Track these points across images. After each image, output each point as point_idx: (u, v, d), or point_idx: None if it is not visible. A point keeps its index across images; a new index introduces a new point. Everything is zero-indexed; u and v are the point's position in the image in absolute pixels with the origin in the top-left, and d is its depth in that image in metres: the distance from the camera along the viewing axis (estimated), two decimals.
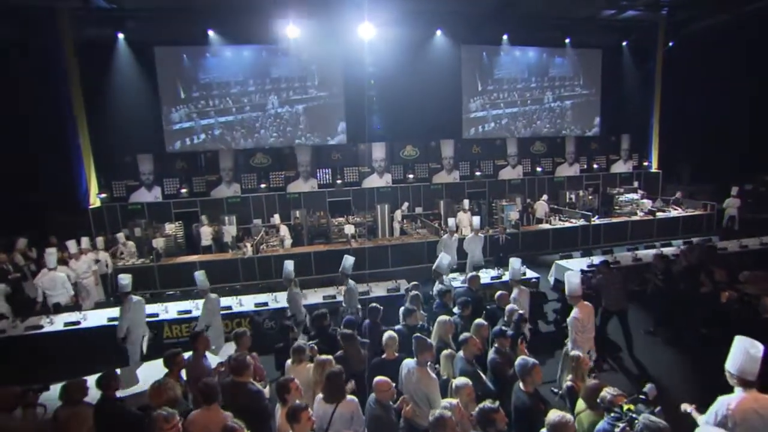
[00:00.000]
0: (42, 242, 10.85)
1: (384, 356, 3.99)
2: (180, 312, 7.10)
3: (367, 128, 14.11)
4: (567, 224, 12.59)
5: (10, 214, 11.64)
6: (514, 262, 6.28)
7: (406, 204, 14.07)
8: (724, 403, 2.88)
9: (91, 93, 12.42)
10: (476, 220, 9.45)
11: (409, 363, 3.63)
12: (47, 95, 12.14)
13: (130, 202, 12.93)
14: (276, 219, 12.06)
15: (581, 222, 12.53)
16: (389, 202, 13.90)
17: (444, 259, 6.62)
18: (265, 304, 7.28)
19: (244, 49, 14.11)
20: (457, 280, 7.97)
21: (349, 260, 6.77)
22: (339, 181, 14.15)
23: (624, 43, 15.88)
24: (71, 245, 9.25)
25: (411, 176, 14.71)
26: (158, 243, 10.26)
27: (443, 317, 4.31)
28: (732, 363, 2.95)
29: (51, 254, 8.11)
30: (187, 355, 4.07)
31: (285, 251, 11.07)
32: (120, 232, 11.00)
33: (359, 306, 6.68)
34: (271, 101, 14.47)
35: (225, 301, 7.48)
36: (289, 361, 3.92)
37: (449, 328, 4.26)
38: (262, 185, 13.64)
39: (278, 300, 7.48)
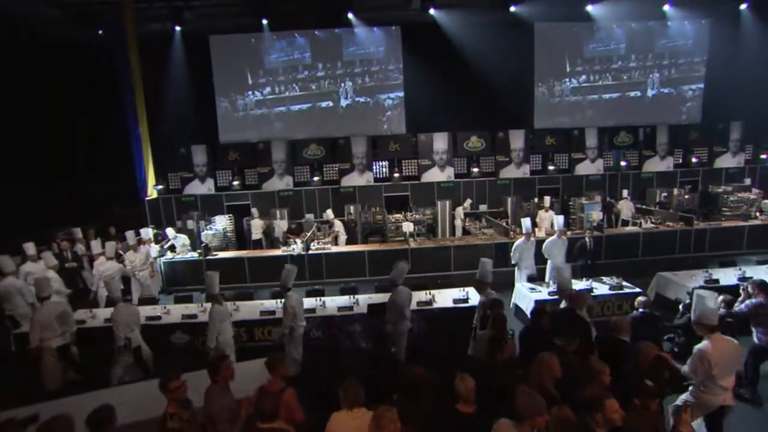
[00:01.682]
0: (105, 233, 10.91)
1: (459, 407, 2.84)
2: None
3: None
4: (662, 228, 10.66)
5: (75, 205, 11.82)
6: (563, 272, 5.22)
7: (468, 201, 12.80)
8: (698, 351, 3.45)
9: (150, 85, 12.35)
10: (559, 220, 7.98)
11: (506, 427, 2.48)
12: (112, 88, 12.25)
13: (184, 194, 12.76)
14: (329, 214, 11.25)
15: (680, 226, 10.56)
16: (451, 198, 12.73)
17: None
18: (313, 310, 6.39)
19: (311, 32, 13.44)
20: (540, 292, 6.64)
21: (289, 270, 5.67)
22: (396, 175, 13.11)
23: (744, 6, 13.06)
24: (130, 236, 9.05)
25: (475, 170, 13.34)
26: (207, 237, 9.81)
27: (546, 354, 3.08)
28: (696, 315, 3.55)
29: (98, 245, 7.87)
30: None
31: (338, 249, 10.23)
32: (169, 227, 10.69)
33: (303, 323, 5.61)
34: (344, 88, 13.68)
35: (268, 304, 6.69)
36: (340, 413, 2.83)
37: (554, 368, 3.03)
38: (315, 178, 12.95)
39: (326, 306, 6.58)
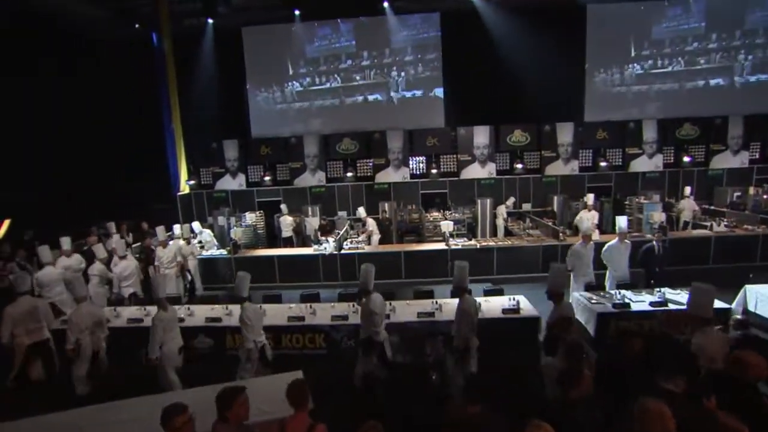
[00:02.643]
0: (138, 228, 10.80)
1: None
2: (292, 318, 5.89)
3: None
4: (739, 231, 9.39)
5: (113, 200, 11.77)
6: (557, 271, 4.71)
7: (511, 199, 11.87)
8: (695, 346, 3.35)
9: (182, 79, 12.21)
10: (622, 221, 7.04)
11: None
12: (147, 83, 12.19)
13: (216, 189, 12.53)
14: (361, 212, 10.64)
15: (762, 229, 9.26)
16: (492, 196, 11.88)
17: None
18: (345, 317, 5.80)
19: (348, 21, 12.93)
20: (603, 304, 5.76)
21: (242, 278, 5.08)
22: (434, 171, 12.35)
23: None
24: (160, 232, 8.83)
25: (519, 166, 12.40)
26: (236, 234, 9.43)
27: (653, 401, 2.29)
28: (691, 307, 3.61)
29: (120, 242, 7.63)
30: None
31: (371, 248, 9.62)
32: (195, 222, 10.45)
33: (261, 338, 4.99)
34: (394, 80, 13.03)
35: (298, 309, 6.14)
36: None
37: (668, 422, 2.24)
38: (349, 174, 12.40)
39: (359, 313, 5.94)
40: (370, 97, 13.12)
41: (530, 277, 9.14)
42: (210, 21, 12.35)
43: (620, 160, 12.51)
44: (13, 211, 10.81)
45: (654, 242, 7.09)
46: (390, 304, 5.94)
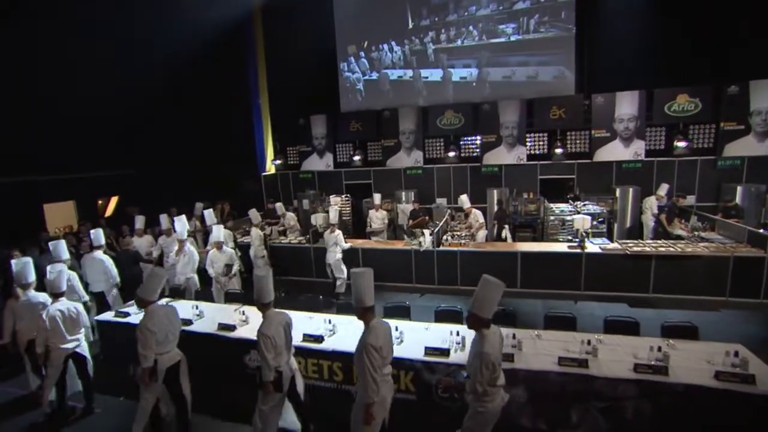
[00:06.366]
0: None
1: None
2: (308, 337, 4.31)
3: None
4: None
5: (206, 181, 11.34)
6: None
7: (665, 187, 8.74)
8: (482, 354, 2.86)
9: (270, 50, 11.27)
10: None
11: None
12: (237, 55, 11.48)
13: (302, 170, 11.46)
14: (464, 200, 8.50)
15: None
16: (639, 183, 9.10)
17: None
18: (444, 351, 3.89)
19: None
20: None
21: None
22: (559, 151, 9.75)
23: None
24: (254, 216, 8.28)
25: (682, 144, 9.19)
26: (317, 219, 8.09)
27: None
28: (475, 304, 2.97)
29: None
30: None
31: (476, 246, 7.55)
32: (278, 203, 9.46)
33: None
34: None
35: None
36: None
37: None
38: (451, 154, 10.40)
39: (466, 342, 3.99)
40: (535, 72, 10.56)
41: (706, 301, 6.35)
42: None
43: None
44: (122, 188, 10.92)
45: None
46: (513, 337, 3.89)
